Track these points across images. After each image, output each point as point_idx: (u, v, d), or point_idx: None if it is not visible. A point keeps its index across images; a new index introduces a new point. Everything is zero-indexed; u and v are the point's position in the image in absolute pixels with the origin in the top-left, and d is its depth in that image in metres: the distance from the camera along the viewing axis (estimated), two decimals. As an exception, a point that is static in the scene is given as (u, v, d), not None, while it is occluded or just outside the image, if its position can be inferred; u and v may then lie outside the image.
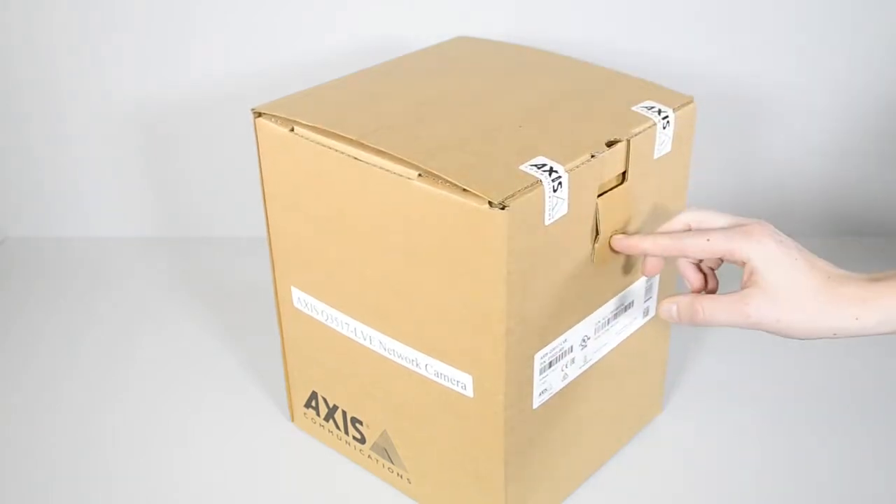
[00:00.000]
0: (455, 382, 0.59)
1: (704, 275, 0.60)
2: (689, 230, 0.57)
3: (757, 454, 0.72)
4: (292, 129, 0.60)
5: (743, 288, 0.54)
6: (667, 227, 0.59)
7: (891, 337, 0.84)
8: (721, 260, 0.59)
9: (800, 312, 0.53)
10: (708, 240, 0.55)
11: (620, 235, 0.59)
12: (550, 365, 0.60)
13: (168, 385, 0.81)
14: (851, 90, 0.94)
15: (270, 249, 0.68)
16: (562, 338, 0.60)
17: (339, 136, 0.58)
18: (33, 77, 0.96)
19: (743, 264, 0.54)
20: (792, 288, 0.53)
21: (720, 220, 0.57)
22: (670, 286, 0.69)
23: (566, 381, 0.62)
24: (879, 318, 0.53)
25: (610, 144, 0.57)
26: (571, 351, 0.61)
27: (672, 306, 0.56)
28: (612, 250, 0.60)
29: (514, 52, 0.73)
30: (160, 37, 0.93)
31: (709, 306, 0.55)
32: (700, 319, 0.55)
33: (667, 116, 0.60)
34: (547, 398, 0.61)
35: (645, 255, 0.59)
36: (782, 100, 0.95)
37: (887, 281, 0.53)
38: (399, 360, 0.62)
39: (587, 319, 0.61)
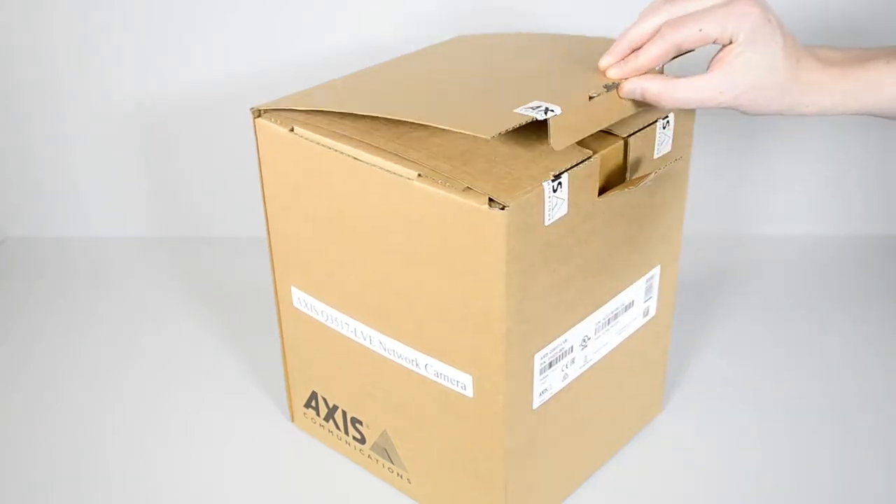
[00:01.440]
0: (455, 382, 0.59)
1: None
2: (673, 22, 0.56)
3: (757, 454, 0.72)
4: (292, 129, 0.60)
5: (714, 61, 0.55)
6: (642, 29, 0.57)
7: (891, 335, 0.85)
8: None
9: (760, 95, 0.56)
10: (700, 30, 0.55)
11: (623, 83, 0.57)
12: (550, 365, 0.60)
13: (168, 385, 0.81)
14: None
15: (270, 249, 0.68)
16: (562, 338, 0.60)
17: (338, 135, 0.58)
18: (33, 77, 0.96)
19: (730, 42, 0.55)
20: (763, 70, 0.55)
21: (693, 2, 0.56)
22: (671, 287, 0.69)
23: (566, 381, 0.62)
24: (826, 105, 0.57)
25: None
26: (572, 351, 0.61)
27: (636, 87, 0.56)
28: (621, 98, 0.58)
29: (512, 40, 0.72)
30: (160, 37, 0.93)
31: (683, 88, 0.55)
32: (672, 100, 0.56)
33: (667, 116, 0.60)
34: (547, 398, 0.61)
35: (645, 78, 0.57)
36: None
37: (843, 67, 0.57)
38: (399, 360, 0.62)
39: (587, 319, 0.61)
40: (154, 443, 0.74)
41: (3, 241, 1.04)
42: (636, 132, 0.59)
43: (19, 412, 0.78)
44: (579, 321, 0.61)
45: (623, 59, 0.58)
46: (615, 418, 0.70)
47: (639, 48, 0.57)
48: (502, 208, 0.51)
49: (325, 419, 0.72)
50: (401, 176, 0.55)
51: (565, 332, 0.60)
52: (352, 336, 0.65)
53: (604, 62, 0.59)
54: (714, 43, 0.56)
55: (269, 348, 0.80)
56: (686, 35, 0.55)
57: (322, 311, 0.66)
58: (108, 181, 1.01)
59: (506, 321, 0.54)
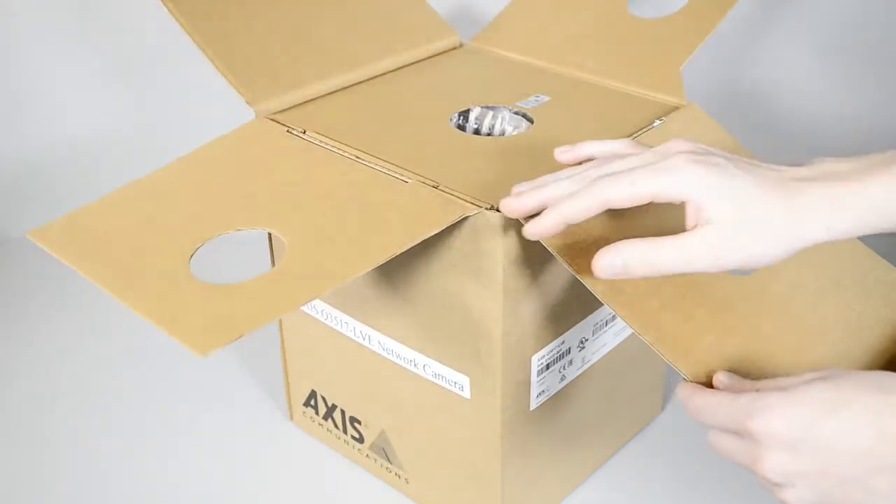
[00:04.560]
0: (452, 383, 0.59)
1: None
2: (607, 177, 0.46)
3: (756, 454, 0.72)
4: (292, 130, 0.60)
5: (693, 229, 0.45)
6: (568, 158, 0.50)
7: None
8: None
9: (769, 242, 0.45)
10: (633, 183, 0.45)
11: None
12: (548, 367, 0.60)
13: (167, 384, 0.81)
14: (852, 90, 0.94)
15: (271, 248, 0.68)
16: (559, 340, 0.60)
17: (339, 135, 0.58)
18: (34, 76, 0.96)
19: (680, 203, 0.45)
20: (752, 218, 0.44)
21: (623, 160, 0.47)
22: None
23: (564, 383, 0.62)
24: (851, 224, 0.45)
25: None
26: (569, 353, 0.61)
27: (616, 260, 0.46)
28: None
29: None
30: (160, 36, 0.93)
31: (678, 260, 0.45)
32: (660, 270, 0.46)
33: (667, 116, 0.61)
34: (545, 399, 0.61)
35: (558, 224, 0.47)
36: (782, 100, 0.95)
37: (847, 180, 0.45)
38: (397, 361, 0.62)
39: (585, 321, 0.61)
40: (153, 441, 0.74)
41: (2, 242, 1.04)
42: (637, 132, 0.59)
43: (19, 412, 0.78)
44: (577, 323, 0.61)
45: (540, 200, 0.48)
46: (614, 419, 0.70)
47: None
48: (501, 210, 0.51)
49: (324, 418, 0.72)
50: (400, 176, 0.55)
51: (563, 334, 0.60)
52: (351, 335, 0.65)
53: (518, 188, 0.50)
54: (653, 201, 0.46)
55: (269, 348, 0.80)
56: (614, 192, 0.45)
57: (322, 311, 0.66)
58: (108, 182, 1.01)
59: (503, 323, 0.54)
